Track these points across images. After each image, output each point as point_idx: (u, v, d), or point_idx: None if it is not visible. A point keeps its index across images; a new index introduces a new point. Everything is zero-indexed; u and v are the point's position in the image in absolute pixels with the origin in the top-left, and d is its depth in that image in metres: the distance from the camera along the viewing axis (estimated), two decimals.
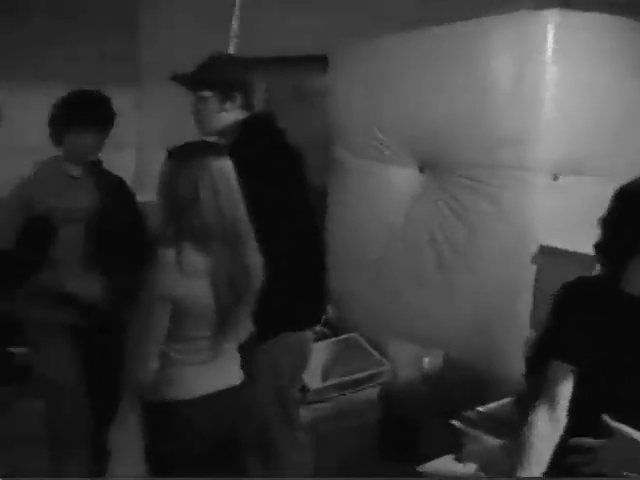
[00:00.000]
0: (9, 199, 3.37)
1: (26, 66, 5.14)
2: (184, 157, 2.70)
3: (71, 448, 3.40)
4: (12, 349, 4.20)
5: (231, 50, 4.51)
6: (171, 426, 2.73)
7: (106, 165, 3.62)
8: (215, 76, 3.24)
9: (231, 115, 3.23)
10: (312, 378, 3.92)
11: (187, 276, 2.62)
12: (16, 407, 4.18)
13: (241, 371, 2.87)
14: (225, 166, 2.72)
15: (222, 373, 2.79)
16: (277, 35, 4.81)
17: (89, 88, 3.48)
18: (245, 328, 2.85)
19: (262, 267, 2.80)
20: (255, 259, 2.79)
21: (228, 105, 3.22)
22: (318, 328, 3.76)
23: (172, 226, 2.68)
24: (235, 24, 4.38)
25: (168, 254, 2.63)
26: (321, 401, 3.96)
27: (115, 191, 3.55)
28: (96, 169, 3.52)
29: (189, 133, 3.27)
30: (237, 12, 4.41)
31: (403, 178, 4.33)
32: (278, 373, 3.21)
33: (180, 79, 3.33)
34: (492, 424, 3.11)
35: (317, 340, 3.91)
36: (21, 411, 4.15)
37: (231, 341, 2.80)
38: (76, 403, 3.37)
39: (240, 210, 2.72)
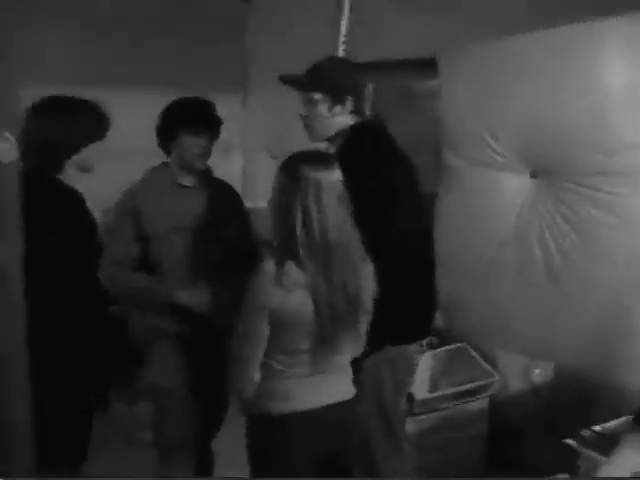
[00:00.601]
0: (118, 209, 3.40)
1: (135, 71, 5.22)
2: (293, 168, 2.67)
3: (177, 452, 3.41)
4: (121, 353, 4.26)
5: (339, 53, 4.49)
6: (272, 438, 2.72)
7: (214, 171, 3.62)
8: (326, 79, 3.20)
9: (341, 120, 3.19)
10: (419, 388, 3.85)
11: (286, 288, 2.60)
12: (122, 410, 4.24)
13: (352, 386, 2.83)
14: (334, 178, 2.68)
15: (331, 387, 2.76)
16: (385, 38, 4.75)
17: (196, 92, 3.49)
18: (357, 342, 2.81)
19: (374, 278, 2.76)
20: (367, 270, 2.74)
21: (338, 109, 3.18)
22: (425, 340, 3.69)
23: (278, 236, 2.66)
24: (343, 27, 4.35)
25: (269, 265, 2.61)
26: (428, 412, 3.88)
27: (224, 199, 3.54)
28: (206, 177, 3.52)
29: (297, 138, 3.25)
30: (345, 15, 4.37)
31: (514, 184, 4.22)
32: (382, 387, 3.16)
33: (290, 80, 3.29)
34: (609, 445, 2.98)
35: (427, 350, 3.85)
36: (127, 414, 4.21)
37: (339, 355, 2.74)
38: (183, 407, 3.37)
39: (347, 223, 2.68)
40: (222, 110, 3.51)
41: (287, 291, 2.61)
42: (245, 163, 5.92)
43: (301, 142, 3.18)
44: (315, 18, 4.99)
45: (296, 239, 2.61)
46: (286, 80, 3.31)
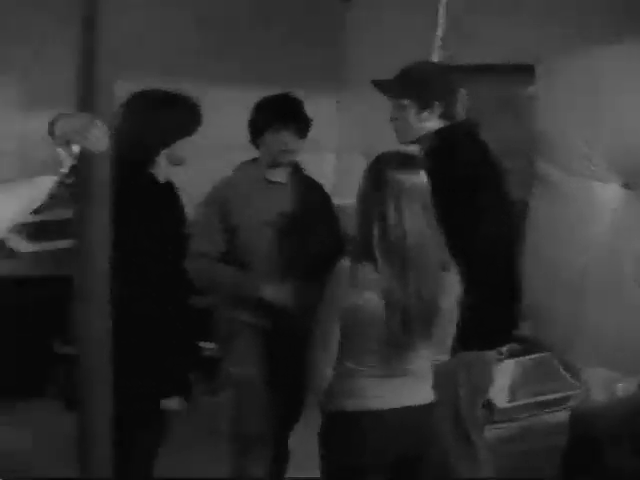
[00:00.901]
0: (207, 203, 3.47)
1: (231, 67, 5.30)
2: (377, 169, 2.69)
3: (253, 446, 3.45)
4: (203, 344, 4.34)
5: (435, 58, 4.48)
6: (345, 435, 2.75)
7: (306, 169, 3.66)
8: (414, 85, 3.22)
9: (430, 124, 3.19)
10: (498, 396, 3.82)
11: (359, 289, 2.62)
12: (203, 403, 4.31)
13: (431, 391, 2.83)
14: (419, 181, 2.69)
15: (405, 390, 2.76)
16: (483, 42, 4.72)
17: (292, 90, 3.53)
18: (439, 347, 2.81)
19: (459, 283, 2.75)
20: (449, 276, 2.74)
21: (426, 115, 3.19)
22: (506, 347, 3.66)
23: (357, 235, 2.69)
24: (439, 32, 4.34)
25: (345, 263, 2.63)
26: (507, 421, 3.85)
27: (313, 196, 3.58)
28: (296, 174, 3.56)
29: (389, 139, 3.27)
30: (441, 20, 4.37)
31: (607, 194, 4.16)
32: (456, 391, 3.15)
33: (380, 86, 3.32)
34: None
35: (507, 358, 3.82)
36: (207, 407, 4.28)
37: (414, 358, 2.75)
38: (261, 401, 3.42)
39: (428, 227, 2.68)
40: (317, 109, 3.54)
41: (360, 291, 2.62)
42: (338, 162, 5.95)
43: (393, 143, 3.21)
44: (412, 20, 4.98)
45: (373, 239, 2.63)
46: (376, 84, 3.33)
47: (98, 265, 2.73)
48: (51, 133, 2.48)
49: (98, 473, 2.84)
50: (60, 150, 2.53)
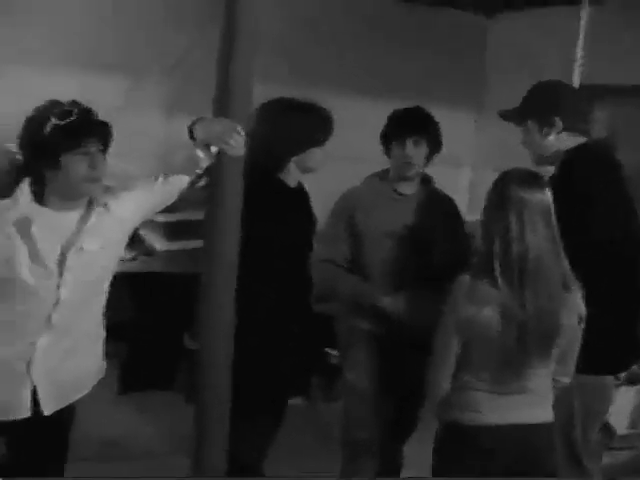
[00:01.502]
0: (335, 212, 3.54)
1: (368, 79, 5.36)
2: (502, 186, 2.71)
3: (362, 453, 3.49)
4: (328, 350, 4.41)
5: (576, 77, 4.43)
6: (458, 446, 2.76)
7: (440, 183, 3.69)
8: (534, 103, 3.22)
9: (557, 141, 3.17)
10: (618, 422, 3.73)
11: (476, 303, 2.62)
12: (323, 408, 4.38)
13: (550, 411, 2.81)
14: (543, 199, 2.68)
15: (523, 407, 2.75)
16: (623, 62, 4.62)
17: (430, 105, 3.57)
18: (562, 367, 2.80)
19: (582, 302, 2.73)
20: (572, 297, 2.72)
21: (547, 129, 3.17)
22: (625, 373, 3.57)
23: (479, 251, 2.70)
24: (579, 52, 4.28)
25: (465, 278, 2.66)
26: (626, 448, 3.75)
27: (441, 210, 3.59)
28: (425, 186, 3.59)
29: (525, 160, 3.26)
30: (581, 38, 4.31)
31: None
32: (572, 415, 3.09)
33: (504, 115, 3.35)
34: None
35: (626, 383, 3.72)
36: (327, 413, 4.34)
37: (531, 376, 2.73)
38: (372, 409, 3.46)
39: (550, 247, 2.67)
40: (455, 126, 3.56)
41: (479, 306, 2.64)
42: (473, 178, 5.93)
43: (528, 163, 3.21)
44: (552, 41, 4.93)
45: (493, 256, 2.64)
46: (501, 115, 3.37)
47: (226, 265, 2.84)
48: (192, 136, 2.60)
49: (212, 462, 2.95)
50: (199, 152, 2.65)
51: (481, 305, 2.64)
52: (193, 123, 2.64)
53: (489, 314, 2.64)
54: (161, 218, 4.12)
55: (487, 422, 2.71)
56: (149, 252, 4.50)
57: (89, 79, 4.66)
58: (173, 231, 4.46)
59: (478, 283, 2.66)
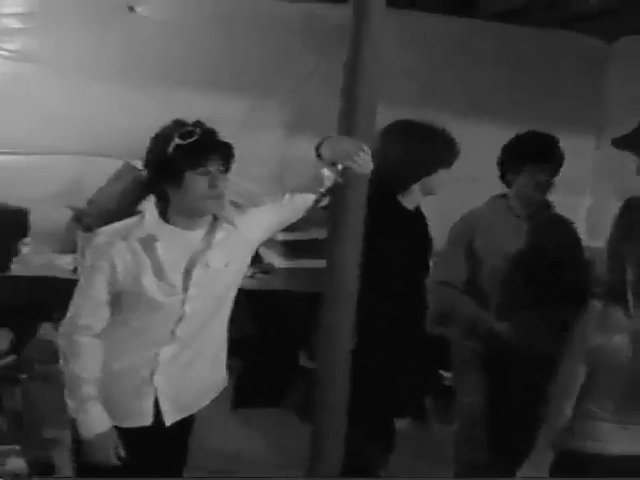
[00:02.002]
0: (453, 234, 3.54)
1: (483, 102, 5.34)
2: (628, 213, 2.68)
3: (473, 474, 3.47)
4: (442, 372, 4.39)
5: None
6: (579, 476, 2.71)
7: (559, 208, 3.66)
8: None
9: None
10: None
11: (607, 331, 2.59)
12: (436, 430, 4.36)
13: None
14: None
15: None
16: None
17: (548, 128, 3.55)
18: None
19: None
20: None
21: None
22: None
23: (609, 278, 2.66)
24: None
25: (596, 306, 2.63)
26: None
27: (559, 235, 3.56)
28: (545, 211, 3.57)
29: None
30: None
31: None
32: None
33: (618, 144, 3.33)
34: None
35: None
36: (440, 435, 4.31)
37: None
38: (488, 433, 3.43)
39: None
40: (574, 151, 3.53)
41: (609, 334, 2.60)
42: (593, 203, 5.82)
43: None
44: None
45: (625, 284, 2.60)
46: (613, 142, 3.35)
47: (347, 285, 2.87)
48: (318, 154, 2.65)
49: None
50: (325, 171, 2.69)
51: (612, 333, 2.61)
52: (320, 142, 2.69)
53: (619, 341, 2.60)
54: (280, 236, 4.18)
55: (610, 452, 2.67)
56: (267, 270, 4.57)
57: (213, 99, 4.79)
58: (291, 249, 4.51)
59: (609, 311, 2.62)
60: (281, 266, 4.61)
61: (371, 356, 3.04)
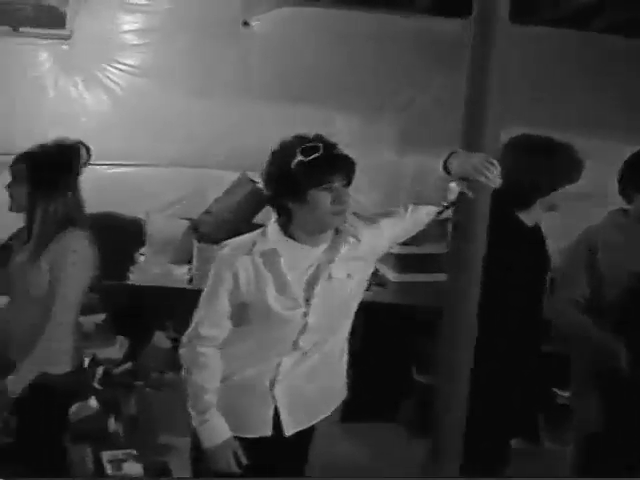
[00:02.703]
0: (574, 250, 3.47)
1: (601, 117, 5.25)
2: None
3: None
4: (556, 390, 4.31)
5: None
6: None
7: None
8: None
9: None
10: None
11: None
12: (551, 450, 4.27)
13: None
14: None
15: None
16: None
17: None
18: None
19: None
20: None
21: None
22: None
23: None
24: None
25: None
26: None
27: None
28: None
29: None
30: None
31: None
32: None
33: None
34: None
35: None
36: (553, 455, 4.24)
37: None
38: (608, 456, 3.34)
39: None
40: None
41: None
42: None
43: None
44: None
45: None
46: None
47: (468, 301, 2.82)
48: (445, 168, 2.63)
49: None
50: (452, 185, 2.67)
51: None
52: (448, 156, 2.67)
53: None
54: (394, 250, 4.18)
55: None
56: (382, 283, 4.56)
57: (328, 113, 4.84)
58: (406, 263, 4.50)
59: None
60: (395, 279, 4.60)
61: (489, 372, 3.00)
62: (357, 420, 4.62)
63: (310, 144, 2.53)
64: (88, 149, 3.06)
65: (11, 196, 3.15)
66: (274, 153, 2.61)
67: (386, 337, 4.54)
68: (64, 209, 3.03)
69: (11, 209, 3.17)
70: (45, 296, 2.99)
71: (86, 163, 3.06)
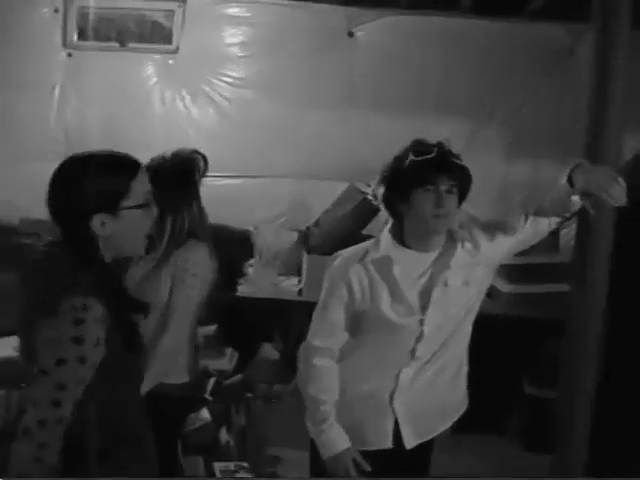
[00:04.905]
0: None
1: None
2: None
3: None
4: None
5: None
6: None
7: None
8: None
9: None
10: None
11: None
12: None
13: None
14: None
15: None
16: None
17: None
18: None
19: None
20: None
21: None
22: None
23: None
24: None
25: None
26: None
27: None
28: None
29: None
30: None
31: None
32: None
33: None
34: None
35: None
36: None
37: None
38: None
39: None
40: None
41: None
42: None
43: None
44: None
45: None
46: None
47: (594, 312, 2.75)
48: (569, 180, 2.57)
49: None
50: (575, 198, 2.60)
51: None
52: (573, 168, 2.60)
53: None
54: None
55: None
56: (491, 294, 4.48)
57: (433, 121, 4.79)
58: (518, 274, 4.41)
59: None
60: (505, 290, 4.52)
61: (616, 388, 2.91)
62: (468, 432, 4.55)
63: (425, 147, 2.57)
64: (205, 158, 3.07)
65: None
66: (395, 157, 2.64)
67: (496, 348, 4.45)
68: (190, 220, 3.05)
69: None
70: (164, 307, 3.02)
71: (205, 172, 3.07)
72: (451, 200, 2.57)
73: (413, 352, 2.67)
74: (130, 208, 2.12)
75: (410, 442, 2.75)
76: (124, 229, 2.13)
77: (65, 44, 5.15)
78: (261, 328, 4.89)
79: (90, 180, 2.09)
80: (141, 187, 2.15)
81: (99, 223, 2.09)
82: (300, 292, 4.57)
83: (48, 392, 1.98)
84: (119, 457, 2.17)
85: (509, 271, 4.36)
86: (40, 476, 1.97)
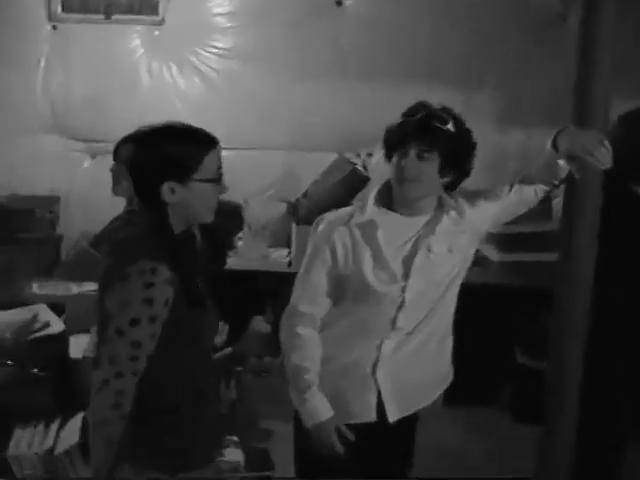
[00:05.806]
0: None
1: None
2: None
3: None
4: None
5: None
6: None
7: None
8: None
9: None
10: None
11: None
12: None
13: None
14: None
15: None
16: None
17: None
18: None
19: None
20: None
21: None
22: None
23: None
24: None
25: None
26: None
27: None
28: None
29: None
30: None
31: None
32: None
33: None
34: None
35: None
36: None
37: None
38: None
39: None
40: None
41: None
42: None
43: None
44: None
45: None
46: None
47: (581, 281, 2.70)
48: (554, 145, 2.53)
49: None
50: (562, 163, 2.56)
51: None
52: (558, 132, 2.55)
53: None
54: (498, 229, 4.10)
55: None
56: (482, 262, 4.46)
57: (422, 91, 4.71)
58: (510, 242, 4.38)
59: None
60: (496, 259, 4.49)
61: (605, 360, 2.88)
62: (458, 404, 4.53)
63: (414, 109, 2.55)
64: None
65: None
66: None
67: (487, 318, 4.42)
68: None
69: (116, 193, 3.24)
70: None
71: None
72: (422, 166, 2.52)
73: (394, 322, 2.63)
74: (200, 181, 2.21)
75: (393, 415, 2.72)
76: (192, 199, 2.23)
77: (50, 17, 5.08)
78: (252, 301, 4.86)
79: (166, 149, 2.19)
80: (213, 163, 2.25)
81: (168, 189, 2.20)
82: (290, 263, 4.56)
83: (125, 349, 2.14)
84: (188, 412, 2.32)
85: (500, 240, 4.35)
86: (117, 419, 2.17)
